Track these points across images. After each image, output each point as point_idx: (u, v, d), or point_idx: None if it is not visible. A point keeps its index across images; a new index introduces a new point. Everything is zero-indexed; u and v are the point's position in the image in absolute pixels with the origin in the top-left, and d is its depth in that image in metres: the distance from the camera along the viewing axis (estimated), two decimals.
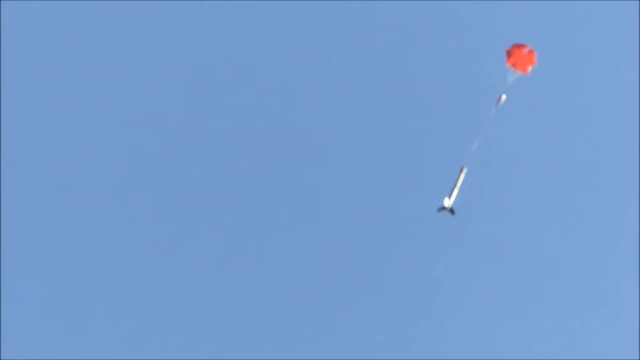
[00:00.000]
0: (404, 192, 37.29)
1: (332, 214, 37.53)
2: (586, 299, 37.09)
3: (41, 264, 36.43)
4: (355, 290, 36.66)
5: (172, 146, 38.18)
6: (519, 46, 28.20)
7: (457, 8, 38.98)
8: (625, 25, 38.66)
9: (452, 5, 38.92)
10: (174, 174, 37.88)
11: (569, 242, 37.59)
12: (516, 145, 37.93)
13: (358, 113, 38.15)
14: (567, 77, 38.95)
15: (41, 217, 36.95)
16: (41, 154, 37.59)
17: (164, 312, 36.29)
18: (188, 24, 39.25)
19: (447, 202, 28.73)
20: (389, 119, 38.16)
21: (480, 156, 28.10)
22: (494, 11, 39.13)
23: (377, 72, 38.63)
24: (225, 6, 39.19)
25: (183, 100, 38.73)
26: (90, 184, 37.56)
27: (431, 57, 38.71)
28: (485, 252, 37.24)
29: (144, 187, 37.72)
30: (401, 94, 38.40)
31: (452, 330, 36.54)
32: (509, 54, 28.24)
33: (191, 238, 37.25)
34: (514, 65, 28.06)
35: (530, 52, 28.12)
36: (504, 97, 28.17)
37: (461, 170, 28.76)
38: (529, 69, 28.13)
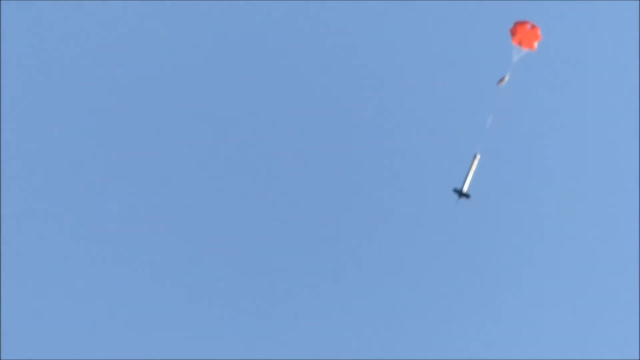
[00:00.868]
0: (411, 187, 37.31)
1: (334, 212, 37.57)
2: (586, 299, 37.10)
3: (41, 264, 36.45)
4: (355, 290, 36.70)
5: (171, 146, 38.22)
6: (522, 23, 27.89)
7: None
8: (625, 25, 38.69)
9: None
10: (173, 174, 37.90)
11: (568, 241, 37.62)
12: (515, 146, 37.98)
13: (366, 104, 38.18)
14: (567, 77, 38.99)
15: (41, 217, 36.97)
16: (41, 153, 37.61)
17: (164, 312, 36.32)
18: (188, 24, 39.29)
19: (462, 187, 29.14)
20: (396, 109, 38.22)
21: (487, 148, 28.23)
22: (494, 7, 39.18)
23: (380, 61, 38.65)
24: (225, 6, 39.22)
25: (182, 100, 38.75)
26: (91, 184, 37.59)
27: (437, 48, 38.73)
28: (485, 252, 37.27)
29: (144, 187, 37.75)
30: (402, 87, 38.45)
31: (452, 330, 36.57)
32: (512, 32, 27.95)
33: (190, 238, 37.29)
34: (519, 43, 27.81)
35: (533, 27, 27.82)
36: (507, 76, 28.06)
37: (474, 157, 29.03)
38: (535, 44, 27.90)
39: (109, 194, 37.55)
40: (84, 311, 36.14)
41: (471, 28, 38.53)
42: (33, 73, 38.35)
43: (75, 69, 38.65)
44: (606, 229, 37.81)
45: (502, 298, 36.95)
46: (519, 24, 27.88)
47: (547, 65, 38.88)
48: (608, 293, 37.15)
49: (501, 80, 28.05)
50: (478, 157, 29.08)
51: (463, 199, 29.23)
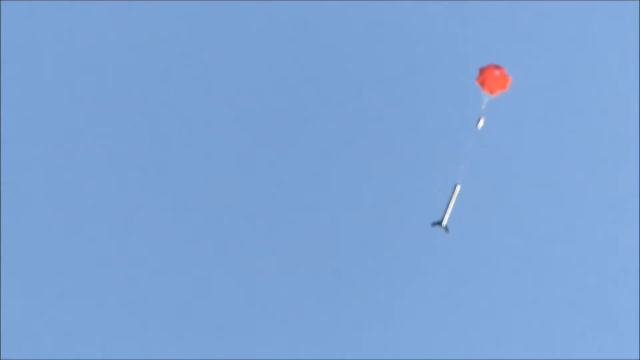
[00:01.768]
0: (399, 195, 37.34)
1: (325, 220, 37.58)
2: (586, 299, 37.10)
3: (41, 264, 36.44)
4: (355, 290, 36.71)
5: (170, 146, 38.22)
6: (494, 67, 27.13)
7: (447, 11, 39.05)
8: (625, 25, 38.69)
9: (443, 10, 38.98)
10: (172, 174, 37.89)
11: (568, 242, 37.62)
12: (513, 147, 37.99)
13: (345, 126, 38.13)
14: (566, 77, 38.97)
15: (41, 217, 36.96)
16: (41, 153, 37.60)
17: (164, 312, 36.30)
18: (187, 24, 39.28)
19: (442, 220, 28.51)
20: (377, 129, 38.16)
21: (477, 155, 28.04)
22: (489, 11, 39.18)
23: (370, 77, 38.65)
24: (224, 6, 39.23)
25: (182, 100, 38.75)
26: (90, 184, 37.58)
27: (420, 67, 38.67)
28: (485, 252, 37.26)
29: (143, 187, 37.74)
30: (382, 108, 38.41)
31: (451, 330, 36.58)
32: (481, 71, 27.31)
33: (187, 238, 37.31)
34: (482, 83, 27.17)
35: (505, 76, 27.11)
36: (482, 120, 27.40)
37: (454, 188, 28.42)
38: (498, 92, 27.19)
39: (109, 194, 37.57)
40: (84, 311, 36.14)
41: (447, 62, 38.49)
42: (33, 73, 38.37)
43: (75, 68, 38.67)
44: (606, 229, 37.84)
45: (502, 298, 36.95)
46: (491, 66, 27.19)
47: (546, 66, 38.92)
48: (608, 293, 37.16)
49: (478, 122, 27.58)
50: (458, 187, 28.43)
51: (440, 229, 28.71)
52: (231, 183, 37.91)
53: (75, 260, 36.64)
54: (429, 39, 38.55)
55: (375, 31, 38.63)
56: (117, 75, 38.62)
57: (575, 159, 38.15)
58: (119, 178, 37.69)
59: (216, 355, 35.81)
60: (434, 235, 28.91)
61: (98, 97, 38.46)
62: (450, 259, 36.93)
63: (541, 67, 38.60)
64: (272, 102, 38.67)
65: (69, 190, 37.40)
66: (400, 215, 37.03)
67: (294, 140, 38.12)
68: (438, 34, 38.68)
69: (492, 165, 36.67)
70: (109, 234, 37.05)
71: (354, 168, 37.61)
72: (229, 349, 35.97)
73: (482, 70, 27.26)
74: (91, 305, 36.22)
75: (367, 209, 37.30)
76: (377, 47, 38.50)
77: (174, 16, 39.13)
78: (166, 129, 38.42)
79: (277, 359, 35.77)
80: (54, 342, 35.66)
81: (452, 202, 28.36)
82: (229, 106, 38.75)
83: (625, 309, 36.61)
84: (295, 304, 36.55)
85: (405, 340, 36.27)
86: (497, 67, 27.20)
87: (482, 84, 27.23)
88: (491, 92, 27.18)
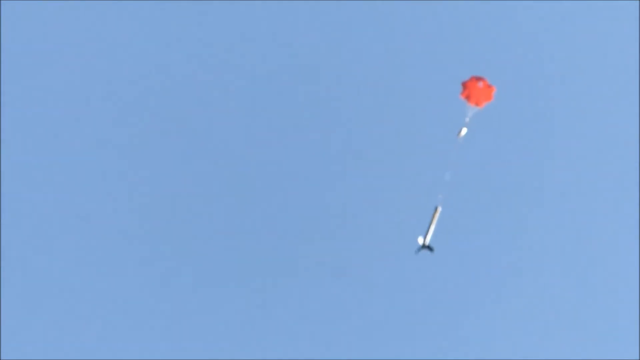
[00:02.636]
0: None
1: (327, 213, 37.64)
2: (586, 299, 37.15)
3: (41, 264, 36.50)
4: (354, 290, 36.76)
5: (169, 146, 38.28)
6: (476, 79, 27.06)
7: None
8: (625, 25, 38.73)
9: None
10: (171, 174, 37.96)
11: (568, 244, 37.69)
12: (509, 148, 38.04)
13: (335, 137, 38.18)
14: (566, 77, 39.03)
15: (41, 217, 37.01)
16: (41, 153, 37.65)
17: (164, 312, 36.37)
18: (186, 24, 39.34)
19: (421, 241, 28.45)
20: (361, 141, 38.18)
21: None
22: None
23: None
24: (223, 6, 39.28)
25: (180, 100, 38.81)
26: (91, 184, 37.64)
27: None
28: (485, 253, 37.33)
29: (143, 186, 37.80)
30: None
31: (451, 330, 36.65)
32: (464, 86, 27.22)
33: (185, 238, 37.37)
34: (467, 98, 27.09)
35: (489, 86, 27.03)
36: (464, 130, 27.33)
37: (435, 210, 28.38)
38: (484, 103, 27.13)
39: (109, 194, 37.62)
40: (84, 311, 36.19)
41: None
42: (33, 73, 38.42)
43: (74, 69, 38.72)
44: (606, 229, 37.90)
45: (502, 298, 37.00)
46: (474, 79, 27.03)
47: (545, 67, 38.96)
48: (608, 293, 37.21)
49: (459, 132, 27.52)
50: (439, 209, 28.39)
51: (425, 251, 28.64)
52: (227, 183, 38.01)
53: (75, 260, 36.71)
54: (413, 48, 38.72)
55: (359, 41, 38.80)
56: (117, 75, 38.70)
57: (568, 166, 38.24)
58: (118, 178, 37.77)
59: (216, 355, 35.90)
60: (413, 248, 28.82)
61: (98, 97, 38.54)
62: (450, 259, 37.04)
63: (538, 68, 38.70)
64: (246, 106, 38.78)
65: (68, 189, 37.48)
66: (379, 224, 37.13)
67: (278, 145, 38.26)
68: (422, 44, 38.87)
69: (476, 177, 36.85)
70: (108, 234, 37.13)
71: (331, 182, 37.69)
72: (229, 349, 36.07)
73: (465, 84, 27.18)
74: (91, 305, 36.29)
75: (346, 220, 37.40)
76: (360, 58, 38.68)
77: (173, 16, 39.20)
78: (166, 129, 38.51)
79: (277, 359, 35.87)
80: (54, 342, 35.72)
81: (434, 224, 28.37)
82: (221, 105, 38.85)
83: (625, 309, 36.66)
84: (293, 304, 36.66)
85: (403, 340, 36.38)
86: (479, 78, 27.19)
87: (468, 98, 27.22)
88: (477, 104, 27.10)
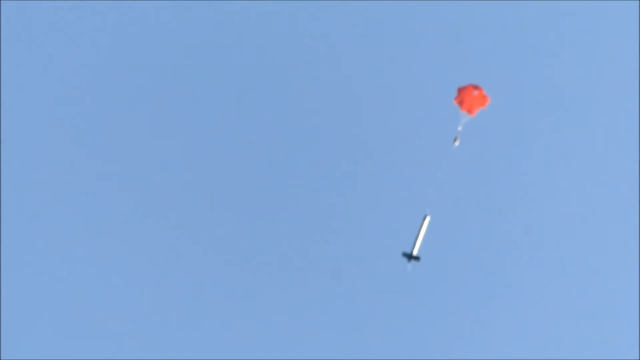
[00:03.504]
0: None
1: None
2: (586, 298, 37.14)
3: (41, 263, 36.50)
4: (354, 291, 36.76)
5: (167, 146, 38.28)
6: (473, 87, 27.03)
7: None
8: (625, 25, 38.70)
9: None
10: (170, 174, 37.95)
11: (568, 242, 37.67)
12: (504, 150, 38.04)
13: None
14: (566, 77, 39.03)
15: (41, 217, 37.00)
16: (41, 153, 37.65)
17: (164, 312, 36.35)
18: (185, 24, 39.34)
19: (412, 250, 28.18)
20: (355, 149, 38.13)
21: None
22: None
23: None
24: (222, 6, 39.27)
25: (179, 100, 38.81)
26: (90, 184, 37.62)
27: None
28: (485, 252, 37.32)
29: (143, 186, 37.78)
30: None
31: (451, 330, 36.65)
32: (459, 91, 27.21)
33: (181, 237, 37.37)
34: (460, 103, 27.07)
35: (484, 96, 27.00)
36: (457, 140, 27.22)
37: (424, 218, 28.11)
38: (476, 111, 27.12)
39: (109, 194, 37.61)
40: (84, 311, 36.19)
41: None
42: (33, 73, 38.41)
43: (75, 68, 38.71)
44: (606, 229, 37.90)
45: (502, 298, 37.00)
46: (470, 86, 27.03)
47: (544, 68, 38.95)
48: (608, 293, 37.20)
49: (455, 140, 27.50)
50: (428, 218, 28.04)
51: (413, 262, 28.26)
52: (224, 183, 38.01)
53: (75, 260, 36.72)
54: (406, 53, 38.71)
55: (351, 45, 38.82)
56: (117, 75, 38.69)
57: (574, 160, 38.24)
58: (118, 178, 37.77)
59: (216, 355, 35.89)
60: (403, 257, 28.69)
61: (98, 97, 38.54)
62: (449, 260, 37.04)
63: (536, 69, 38.67)
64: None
65: (68, 190, 37.48)
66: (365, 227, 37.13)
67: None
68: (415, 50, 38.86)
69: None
70: (108, 234, 37.12)
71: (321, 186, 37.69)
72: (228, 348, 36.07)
73: (460, 90, 27.20)
74: (91, 305, 36.29)
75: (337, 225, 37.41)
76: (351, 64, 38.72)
77: (173, 16, 39.18)
78: (165, 129, 38.51)
79: (276, 359, 35.86)
80: (54, 342, 35.72)
81: (422, 233, 28.07)
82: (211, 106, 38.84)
83: (625, 309, 36.65)
84: (292, 304, 36.67)
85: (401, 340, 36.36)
86: (476, 87, 27.16)
87: (461, 103, 27.22)
88: (469, 111, 27.07)
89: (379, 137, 38.04)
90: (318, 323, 36.43)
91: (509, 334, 36.70)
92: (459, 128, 27.01)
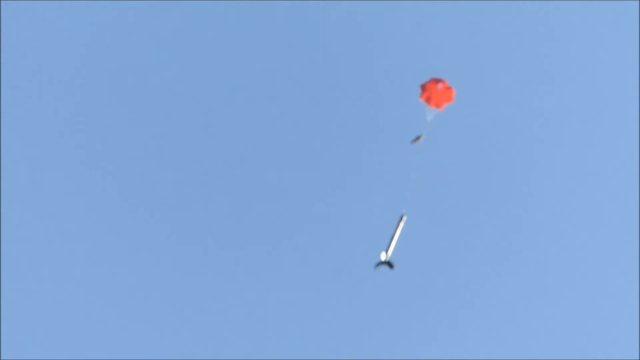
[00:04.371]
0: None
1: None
2: (586, 299, 37.16)
3: (41, 263, 36.52)
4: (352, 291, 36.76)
5: (167, 145, 38.31)
6: (435, 81, 26.59)
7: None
8: (625, 25, 38.70)
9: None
10: (170, 174, 37.98)
11: (568, 242, 37.68)
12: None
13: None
14: (565, 78, 39.04)
15: (41, 217, 37.02)
16: (41, 153, 37.67)
17: (164, 312, 36.38)
18: (184, 24, 39.36)
19: (384, 256, 26.84)
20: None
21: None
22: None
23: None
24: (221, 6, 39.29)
25: (177, 100, 38.85)
26: (90, 184, 37.65)
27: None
28: (485, 253, 37.34)
29: (143, 186, 37.81)
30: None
31: (450, 330, 36.66)
32: (423, 88, 26.72)
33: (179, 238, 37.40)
34: (427, 100, 26.57)
35: (448, 88, 26.62)
36: (422, 136, 26.53)
37: (400, 219, 26.80)
38: (444, 105, 26.61)
39: (109, 194, 37.64)
40: (84, 311, 36.21)
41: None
42: (33, 73, 38.42)
43: (74, 68, 38.74)
44: (605, 230, 37.91)
45: (502, 298, 37.02)
46: (433, 80, 26.63)
47: (543, 69, 38.95)
48: (608, 293, 37.21)
49: (417, 139, 26.85)
50: (405, 218, 26.71)
51: (385, 267, 27.02)
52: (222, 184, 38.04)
53: (75, 260, 36.73)
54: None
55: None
56: (117, 75, 38.71)
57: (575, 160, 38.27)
58: (118, 178, 37.79)
59: (216, 355, 35.91)
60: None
61: (97, 97, 38.56)
62: (450, 259, 37.07)
63: (536, 69, 38.70)
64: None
65: (68, 190, 37.51)
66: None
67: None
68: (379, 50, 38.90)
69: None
70: (108, 233, 37.15)
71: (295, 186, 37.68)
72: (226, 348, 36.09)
73: (424, 87, 26.82)
74: (91, 305, 36.31)
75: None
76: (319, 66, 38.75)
77: (173, 16, 39.21)
78: (165, 129, 38.53)
79: (276, 359, 35.86)
80: (54, 342, 35.74)
81: (397, 235, 26.65)
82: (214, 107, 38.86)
83: (625, 309, 36.66)
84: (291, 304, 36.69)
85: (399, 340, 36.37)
86: (438, 80, 26.77)
87: (428, 100, 26.80)
88: (437, 106, 26.72)
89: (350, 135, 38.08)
90: (317, 323, 36.48)
91: (508, 334, 36.74)
92: (426, 126, 26.56)
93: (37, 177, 37.44)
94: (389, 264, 26.96)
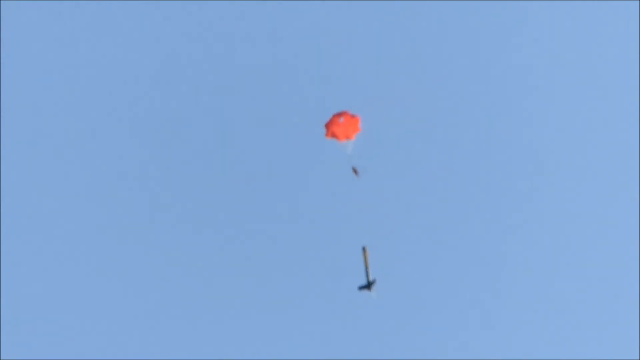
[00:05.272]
0: None
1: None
2: (586, 299, 37.16)
3: (41, 263, 36.53)
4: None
5: (165, 145, 38.30)
6: (337, 115, 26.75)
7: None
8: (625, 25, 38.70)
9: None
10: (170, 174, 37.98)
11: (568, 242, 37.69)
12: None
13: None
14: (566, 77, 39.05)
15: (41, 217, 37.03)
16: (41, 153, 37.68)
17: (164, 312, 36.38)
18: (184, 24, 39.37)
19: (368, 282, 28.33)
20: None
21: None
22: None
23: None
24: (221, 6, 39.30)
25: (178, 100, 38.85)
26: (90, 184, 37.65)
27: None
28: (484, 252, 37.34)
29: (142, 186, 37.82)
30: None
31: (450, 330, 36.67)
32: (326, 127, 26.90)
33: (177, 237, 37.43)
34: (333, 136, 26.75)
35: (352, 117, 26.72)
36: (356, 169, 26.90)
37: (364, 250, 28.13)
38: (354, 135, 26.72)
39: (109, 194, 37.65)
40: (84, 311, 36.23)
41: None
42: (33, 73, 38.44)
43: (74, 68, 38.75)
44: (605, 231, 37.91)
45: (502, 298, 37.03)
46: (335, 116, 26.74)
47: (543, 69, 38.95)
48: (608, 293, 37.21)
49: (355, 171, 26.98)
50: (367, 250, 28.08)
51: (373, 287, 28.51)
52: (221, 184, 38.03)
53: (75, 260, 36.73)
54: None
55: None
56: (116, 75, 38.73)
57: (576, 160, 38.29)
58: (118, 178, 37.80)
59: (216, 355, 35.93)
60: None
61: (97, 97, 38.58)
62: (451, 259, 37.07)
63: (534, 69, 38.69)
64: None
65: (68, 190, 37.51)
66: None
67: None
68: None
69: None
70: (108, 234, 37.16)
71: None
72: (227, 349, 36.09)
73: (326, 125, 26.87)
74: (91, 305, 36.33)
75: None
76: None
77: (172, 16, 39.22)
78: (165, 129, 38.55)
79: (276, 359, 35.87)
80: (54, 342, 35.75)
81: (368, 265, 28.13)
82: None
83: (625, 309, 36.66)
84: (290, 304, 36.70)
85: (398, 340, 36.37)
86: (339, 114, 26.74)
87: (335, 136, 26.76)
88: (348, 138, 26.76)
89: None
90: (316, 322, 36.49)
91: (508, 334, 36.74)
92: (349, 159, 26.68)
93: (37, 178, 37.49)
94: (371, 283, 28.40)
